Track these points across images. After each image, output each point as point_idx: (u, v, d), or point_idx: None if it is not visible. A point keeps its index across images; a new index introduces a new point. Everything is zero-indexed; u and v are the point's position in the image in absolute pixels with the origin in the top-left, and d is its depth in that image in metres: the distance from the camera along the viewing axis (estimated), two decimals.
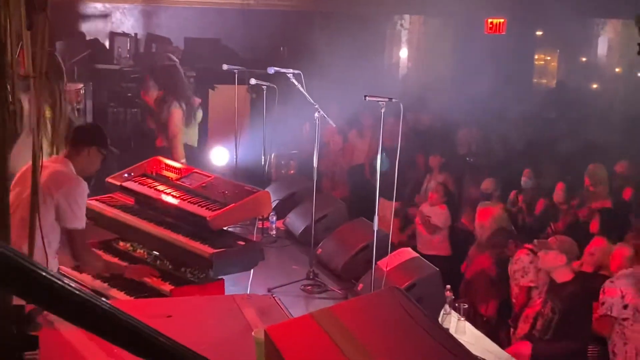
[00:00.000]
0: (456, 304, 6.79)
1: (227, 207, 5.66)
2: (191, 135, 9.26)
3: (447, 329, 5.35)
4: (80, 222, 5.36)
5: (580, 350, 6.66)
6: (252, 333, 3.50)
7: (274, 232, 8.66)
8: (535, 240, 7.08)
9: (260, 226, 7.99)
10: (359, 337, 2.81)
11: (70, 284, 1.83)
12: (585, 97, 15.33)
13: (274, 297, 4.32)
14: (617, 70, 18.56)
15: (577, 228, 8.16)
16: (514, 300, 7.52)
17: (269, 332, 2.90)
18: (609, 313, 6.37)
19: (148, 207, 6.20)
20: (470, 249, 8.70)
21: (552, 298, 6.71)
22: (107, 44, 14.50)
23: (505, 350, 6.50)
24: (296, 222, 8.69)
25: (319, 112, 7.29)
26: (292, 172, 10.94)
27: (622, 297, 6.36)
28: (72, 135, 5.67)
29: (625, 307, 6.36)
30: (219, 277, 5.52)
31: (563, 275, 6.67)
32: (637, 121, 12.27)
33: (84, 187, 5.40)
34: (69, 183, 5.35)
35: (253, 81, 8.25)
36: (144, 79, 10.77)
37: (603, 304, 6.40)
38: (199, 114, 9.58)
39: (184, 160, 8.53)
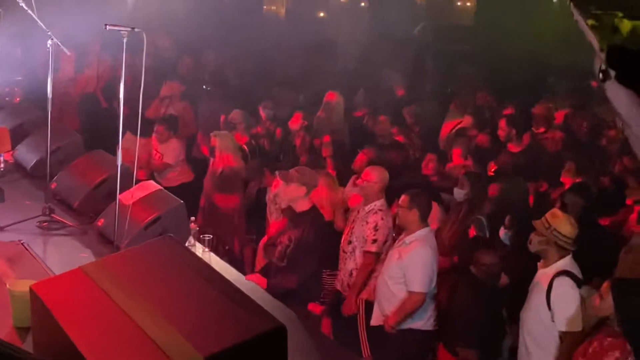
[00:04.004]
0: (201, 236, 6.83)
1: None
2: None
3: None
4: None
5: (310, 277, 6.92)
6: (7, 285, 3.29)
7: (1, 165, 8.13)
8: (276, 172, 7.19)
9: None
10: (134, 288, 2.73)
11: None
12: (313, 25, 15.72)
13: (22, 244, 4.06)
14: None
15: (315, 156, 8.40)
16: (271, 228, 7.58)
17: (35, 289, 2.72)
18: (379, 250, 6.70)
19: None
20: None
21: (290, 227, 6.89)
22: None
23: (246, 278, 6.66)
24: (27, 154, 8.22)
25: (52, 39, 6.87)
26: (17, 100, 10.24)
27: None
28: None
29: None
30: None
31: (302, 205, 6.85)
32: (361, 49, 12.83)
33: None
34: None
35: None
36: None
37: (374, 241, 6.69)
38: None
39: None
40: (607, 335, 4.61)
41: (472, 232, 6.91)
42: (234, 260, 7.47)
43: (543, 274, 5.50)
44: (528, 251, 5.66)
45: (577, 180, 7.46)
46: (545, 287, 5.40)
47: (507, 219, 6.88)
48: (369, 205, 6.79)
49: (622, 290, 4.55)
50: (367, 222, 6.73)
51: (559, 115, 9.99)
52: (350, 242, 6.86)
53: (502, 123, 9.08)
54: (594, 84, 10.33)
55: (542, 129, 9.27)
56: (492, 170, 7.98)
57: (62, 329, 2.51)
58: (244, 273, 6.90)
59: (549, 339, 5.40)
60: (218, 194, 8.28)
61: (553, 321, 5.33)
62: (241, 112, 9.27)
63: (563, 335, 5.30)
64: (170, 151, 9.07)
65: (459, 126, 9.63)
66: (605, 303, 4.58)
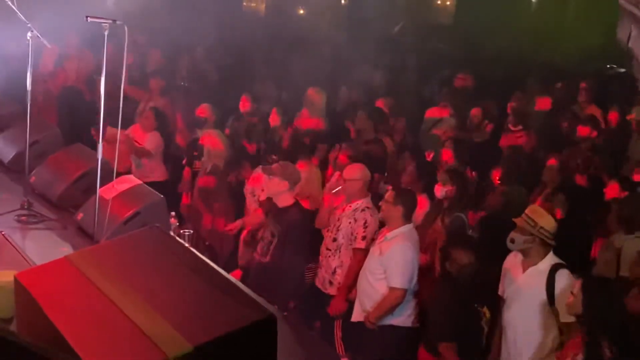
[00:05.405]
0: (181, 231, 6.79)
1: None
2: None
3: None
4: None
5: (293, 273, 6.90)
6: None
7: None
8: (259, 167, 7.18)
9: None
10: (122, 277, 2.70)
11: None
12: (293, 22, 15.73)
13: (2, 234, 4.01)
14: None
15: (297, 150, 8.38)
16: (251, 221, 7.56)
17: (20, 278, 2.68)
18: (367, 246, 6.67)
19: None
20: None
21: (272, 222, 6.87)
22: None
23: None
24: (5, 148, 8.17)
25: (32, 31, 6.79)
26: None
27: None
28: None
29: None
30: None
31: (284, 200, 6.83)
32: (341, 46, 12.85)
33: None
34: None
35: None
36: None
37: (364, 237, 6.68)
38: None
39: None
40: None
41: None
42: (215, 256, 7.44)
43: (534, 271, 5.46)
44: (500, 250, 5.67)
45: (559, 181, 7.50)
46: (542, 284, 5.37)
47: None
48: (354, 203, 6.80)
49: (592, 289, 4.60)
50: (355, 220, 6.72)
51: (544, 102, 10.05)
52: (335, 240, 6.84)
53: (476, 111, 9.11)
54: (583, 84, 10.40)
55: (519, 126, 9.27)
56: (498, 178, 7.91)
57: (48, 319, 2.48)
58: (224, 268, 6.88)
59: (545, 335, 5.37)
60: (209, 186, 8.25)
61: (555, 315, 5.30)
62: (209, 106, 9.28)
63: (565, 327, 5.21)
64: (152, 141, 9.09)
65: (441, 126, 9.69)
66: (577, 301, 4.60)
